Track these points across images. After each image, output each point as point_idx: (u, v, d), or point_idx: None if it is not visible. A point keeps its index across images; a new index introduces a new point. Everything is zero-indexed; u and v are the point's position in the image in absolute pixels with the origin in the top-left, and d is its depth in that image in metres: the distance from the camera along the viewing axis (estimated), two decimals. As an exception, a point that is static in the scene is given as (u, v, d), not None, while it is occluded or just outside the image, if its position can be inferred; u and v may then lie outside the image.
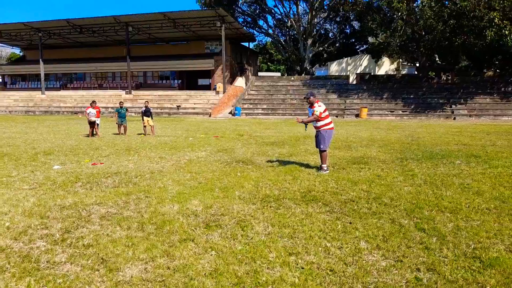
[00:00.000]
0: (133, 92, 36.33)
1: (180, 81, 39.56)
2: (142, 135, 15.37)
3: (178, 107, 31.86)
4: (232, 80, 36.80)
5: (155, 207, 5.21)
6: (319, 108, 7.34)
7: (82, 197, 5.72)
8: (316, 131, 7.59)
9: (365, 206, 5.14)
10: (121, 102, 16.43)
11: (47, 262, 3.54)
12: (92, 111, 14.97)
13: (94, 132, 14.97)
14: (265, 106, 32.08)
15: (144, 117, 15.77)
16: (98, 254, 3.70)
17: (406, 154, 9.73)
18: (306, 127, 8.28)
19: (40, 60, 37.81)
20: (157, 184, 6.56)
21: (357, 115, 29.04)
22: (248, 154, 9.89)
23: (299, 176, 7.02)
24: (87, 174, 7.39)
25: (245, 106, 32.28)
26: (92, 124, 14.84)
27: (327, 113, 7.48)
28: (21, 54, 50.84)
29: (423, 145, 11.61)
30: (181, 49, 40.49)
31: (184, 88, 39.17)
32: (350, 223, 4.51)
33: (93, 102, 15.54)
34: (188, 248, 3.82)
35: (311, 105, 7.46)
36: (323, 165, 7.50)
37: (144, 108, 15.65)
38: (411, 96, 30.76)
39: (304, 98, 7.71)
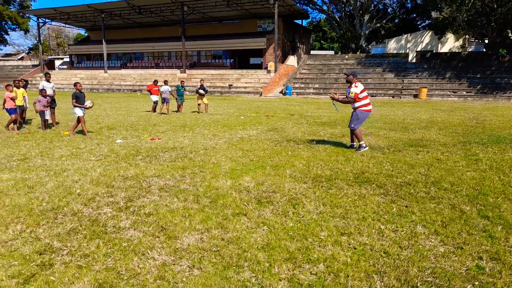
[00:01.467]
0: (187, 71, 37.28)
1: (232, 60, 39.81)
2: (196, 112, 15.82)
3: (230, 86, 32.23)
4: (283, 59, 36.34)
5: (209, 181, 5.39)
6: (355, 89, 7.27)
7: (143, 169, 6.08)
8: (353, 110, 7.47)
9: (422, 190, 4.92)
10: (182, 81, 16.84)
11: (113, 227, 3.84)
12: (166, 88, 15.93)
13: (163, 111, 15.87)
14: (317, 86, 31.41)
15: (199, 95, 16.17)
16: (158, 222, 3.94)
17: (470, 138, 9.09)
18: (336, 108, 8.33)
19: (103, 40, 39.97)
20: (211, 160, 6.77)
21: (415, 96, 27.45)
22: (299, 134, 9.83)
23: (352, 158, 6.87)
24: (147, 148, 7.81)
25: (297, 85, 31.84)
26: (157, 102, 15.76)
27: (365, 93, 7.39)
28: (86, 34, 54.05)
29: (489, 129, 10.75)
30: (234, 28, 40.57)
31: (236, 67, 39.40)
32: (406, 206, 4.35)
33: (156, 80, 16.57)
34: (241, 222, 3.94)
35: (350, 84, 7.38)
36: (361, 143, 7.45)
37: (199, 86, 16.03)
38: (478, 76, 28.35)
39: (345, 75, 7.56)
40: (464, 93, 26.90)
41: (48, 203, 4.44)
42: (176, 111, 16.21)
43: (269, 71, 33.89)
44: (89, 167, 6.19)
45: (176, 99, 16.17)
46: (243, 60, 40.06)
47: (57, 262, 3.11)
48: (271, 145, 8.21)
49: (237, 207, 4.36)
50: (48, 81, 11.24)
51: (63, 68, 46.81)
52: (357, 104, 7.35)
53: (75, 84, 9.59)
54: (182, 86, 16.26)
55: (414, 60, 34.10)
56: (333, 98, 7.47)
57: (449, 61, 31.22)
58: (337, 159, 6.72)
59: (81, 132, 9.82)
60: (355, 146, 7.63)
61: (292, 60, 36.18)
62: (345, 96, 7.50)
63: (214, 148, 7.93)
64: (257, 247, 3.40)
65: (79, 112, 9.52)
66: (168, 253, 3.30)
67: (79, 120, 9.59)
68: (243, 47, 37.66)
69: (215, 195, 4.79)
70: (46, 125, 10.45)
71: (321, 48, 62.92)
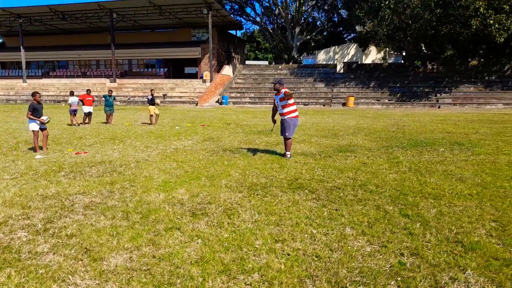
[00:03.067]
0: (118, 80, 35.73)
1: (166, 69, 39.04)
2: (147, 124, 15.17)
3: (164, 95, 31.46)
4: (219, 69, 36.48)
5: (141, 196, 5.15)
6: (286, 90, 7.41)
7: (65, 186, 5.62)
8: (282, 119, 7.65)
9: (351, 193, 5.18)
10: (110, 90, 16.10)
11: (28, 252, 3.47)
12: (75, 99, 14.98)
13: (85, 121, 15.03)
14: (252, 95, 31.97)
15: (150, 106, 15.35)
16: (82, 243, 3.64)
17: (392, 142, 9.84)
18: (273, 126, 8.62)
19: (21, 47, 36.75)
20: (143, 173, 6.49)
21: (344, 104, 29.20)
22: (235, 143, 9.88)
23: (286, 165, 7.04)
24: (71, 164, 7.26)
25: (232, 94, 32.11)
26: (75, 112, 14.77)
27: (293, 100, 7.58)
28: (0, 41, 49.26)
29: (408, 133, 11.75)
30: (167, 37, 39.85)
31: (170, 76, 38.70)
32: (336, 210, 4.54)
33: (88, 90, 15.71)
34: (174, 237, 3.80)
35: (278, 91, 7.57)
36: (287, 152, 7.71)
37: (150, 97, 15.24)
38: (397, 85, 31.04)
39: (272, 84, 7.83)
40: (386, 101, 29.25)
41: None
42: (105, 123, 15.36)
43: (204, 81, 33.77)
44: (1, 187, 5.57)
45: (104, 109, 15.35)
46: (177, 69, 39.49)
47: (-43, 299, 2.72)
48: (207, 155, 8.12)
49: (170, 221, 4.21)
50: None
51: (-27, 77, 42.00)
52: (285, 110, 7.46)
53: (33, 94, 8.45)
54: (110, 96, 15.48)
55: (342, 71, 36.34)
56: (275, 122, 7.92)
57: (373, 72, 33.79)
58: (272, 167, 6.84)
59: (33, 149, 8.75)
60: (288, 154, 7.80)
61: (227, 70, 36.46)
62: (276, 103, 7.66)
63: (147, 160, 7.63)
64: (191, 261, 3.29)
65: (34, 126, 8.50)
66: (93, 276, 3.05)
67: (38, 134, 8.60)
68: (178, 56, 37.16)
69: (147, 210, 4.58)
70: None
71: (256, 58, 64.36)
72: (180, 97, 31.75)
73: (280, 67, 36.89)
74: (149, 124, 15.18)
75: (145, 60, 40.00)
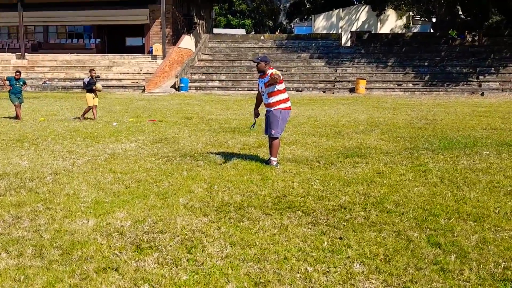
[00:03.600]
0: (28, 56, 35.09)
1: (98, 40, 38.62)
2: (89, 119, 14.95)
3: (96, 77, 31.06)
4: (176, 40, 36.37)
5: (61, 223, 5.08)
6: (274, 71, 7.34)
7: (-51, 211, 5.47)
8: (267, 110, 7.68)
9: (361, 215, 5.26)
10: (18, 71, 15.72)
11: None
12: None
13: None
14: (223, 77, 32.03)
15: (88, 94, 15.13)
16: (-27, 294, 3.55)
17: (418, 143, 10.04)
18: (254, 123, 8.49)
19: None
20: (64, 190, 6.41)
21: (352, 90, 29.63)
22: (199, 146, 9.88)
23: (271, 175, 7.07)
24: (-42, 177, 7.07)
25: (195, 76, 32.07)
26: None
27: (284, 86, 7.61)
28: None
29: (440, 130, 12.03)
30: (100, -6, 39.44)
31: (105, 50, 38.29)
32: (341, 238, 4.60)
33: None
34: (110, 281, 3.75)
35: (263, 73, 7.55)
36: (272, 158, 7.75)
37: (88, 79, 15.01)
38: (425, 64, 31.74)
39: (255, 63, 7.76)
40: (411, 85, 29.86)
41: None
42: (15, 118, 14.98)
43: (154, 57, 33.62)
44: None
45: (10, 98, 15.00)
46: (115, 40, 39.19)
47: None
48: (158, 164, 8.10)
49: (103, 259, 4.16)
50: None
51: None
52: (272, 100, 7.50)
53: None
54: (18, 79, 15.13)
55: (348, 43, 36.91)
56: (258, 115, 7.97)
57: (391, 45, 34.45)
58: (251, 179, 6.86)
59: None
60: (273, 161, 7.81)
61: (187, 42, 36.42)
62: (260, 88, 7.69)
63: (70, 171, 7.54)
64: (133, 316, 3.26)
65: None
66: None
67: None
68: (116, 21, 36.87)
69: (70, 243, 4.51)
70: None
71: (228, 25, 64.47)
72: (120, 80, 31.46)
73: (262, 37, 37.12)
74: (87, 119, 14.98)
75: (67, 27, 39.49)
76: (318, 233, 4.74)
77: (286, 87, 7.85)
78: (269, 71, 7.44)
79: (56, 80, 31.71)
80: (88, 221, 5.12)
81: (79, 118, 15.20)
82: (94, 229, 4.91)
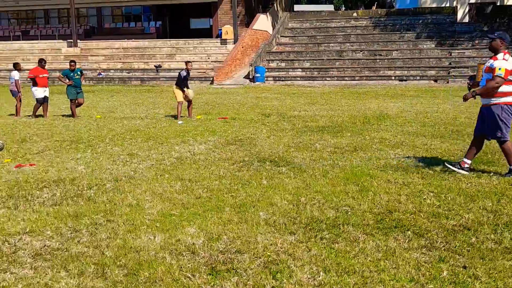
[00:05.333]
0: (81, 43, 36.76)
1: (159, 23, 39.75)
2: (181, 117, 15.00)
3: (157, 68, 32.17)
4: (249, 20, 36.68)
5: (124, 238, 5.28)
6: (504, 63, 7.07)
7: (2, 221, 5.87)
8: (485, 108, 7.49)
9: (490, 238, 5.06)
10: (72, 61, 16.56)
11: None
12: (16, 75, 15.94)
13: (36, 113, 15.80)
14: (307, 65, 31.95)
15: (178, 89, 15.21)
16: (32, 317, 3.81)
17: None
18: (452, 103, 8.30)
19: None
20: (126, 199, 6.65)
21: (472, 78, 28.48)
22: (280, 148, 9.91)
23: (371, 186, 6.98)
24: (9, 183, 7.59)
25: (273, 64, 32.24)
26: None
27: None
28: None
29: None
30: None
31: (166, 35, 39.31)
32: (465, 267, 4.45)
33: (42, 60, 16.31)
34: (182, 309, 3.88)
35: (495, 54, 7.32)
36: None
37: (184, 73, 15.29)
38: None
39: (489, 39, 7.65)
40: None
41: None
42: (71, 116, 15.78)
43: (224, 41, 34.09)
44: None
45: (67, 92, 15.83)
46: (178, 22, 40.08)
47: None
48: (233, 170, 8.21)
49: (174, 283, 4.30)
50: None
51: None
52: (502, 90, 7.15)
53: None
54: (74, 70, 15.87)
55: (466, 19, 35.56)
56: (466, 99, 7.74)
57: (524, 19, 32.75)
58: (346, 190, 6.80)
59: None
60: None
61: (263, 22, 36.55)
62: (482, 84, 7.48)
63: (132, 178, 7.82)
64: None
65: None
66: None
67: None
68: (178, 0, 37.65)
69: (135, 262, 4.70)
70: None
71: (312, 0, 64.23)
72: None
73: (355, 14, 36.72)
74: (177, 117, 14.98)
75: (124, 8, 41.00)
76: (435, 260, 4.61)
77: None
78: (499, 56, 7.19)
79: (112, 71, 33.00)
80: (155, 237, 5.30)
81: (174, 116, 15.30)
82: (161, 246, 5.07)
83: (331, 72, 30.80)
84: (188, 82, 15.36)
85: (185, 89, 15.11)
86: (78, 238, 5.34)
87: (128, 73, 32.57)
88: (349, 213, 5.93)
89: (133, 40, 37.11)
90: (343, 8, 53.18)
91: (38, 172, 8.34)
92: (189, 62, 15.96)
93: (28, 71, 17.16)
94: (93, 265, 4.66)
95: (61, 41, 37.90)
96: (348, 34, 33.90)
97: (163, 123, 13.99)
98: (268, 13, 38.04)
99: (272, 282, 4.26)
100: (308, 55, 32.81)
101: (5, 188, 7.31)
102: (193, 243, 5.12)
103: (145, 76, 32.03)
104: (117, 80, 31.76)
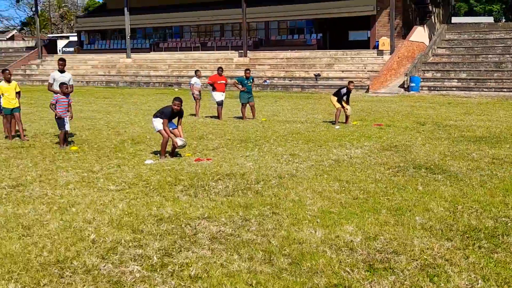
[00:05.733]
0: (250, 53, 38.18)
1: (320, 35, 39.99)
2: (338, 123, 14.89)
3: (316, 76, 32.41)
4: (406, 32, 35.72)
5: (288, 230, 5.43)
6: None
7: (185, 206, 6.33)
8: None
9: None
10: (247, 69, 17.32)
11: (144, 294, 4.05)
12: (197, 81, 17.34)
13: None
14: (463, 76, 30.28)
15: (340, 102, 14.86)
16: (211, 291, 4.06)
17: None
18: None
19: (125, 8, 42.56)
20: (289, 195, 6.83)
21: None
22: (436, 156, 9.58)
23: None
24: (190, 174, 8.13)
25: (428, 74, 31.02)
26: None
27: None
28: (100, 1, 58.30)
29: None
30: (324, -15, 40.94)
31: (326, 46, 39.48)
32: None
33: (220, 68, 17.41)
34: (343, 300, 3.90)
35: None
36: None
37: (344, 91, 14.88)
38: None
39: None
40: None
41: (50, 253, 4.80)
42: (242, 118, 16.34)
43: (380, 52, 33.48)
44: (107, 201, 6.60)
45: (240, 97, 16.49)
46: (337, 35, 40.07)
47: None
48: (388, 174, 8.10)
49: (334, 275, 4.33)
50: (61, 71, 11.89)
51: (69, 52, 50.62)
52: None
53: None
54: (248, 78, 16.59)
55: None
56: None
57: None
58: (506, 201, 6.45)
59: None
60: None
61: (420, 34, 35.39)
62: None
63: (294, 176, 8.00)
64: None
65: (158, 125, 9.55)
66: None
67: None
68: (339, 14, 37.67)
69: (298, 253, 4.81)
70: (66, 139, 10.95)
71: (470, 13, 60.84)
72: (342, 78, 32.08)
73: (516, 26, 33.99)
74: (335, 122, 14.85)
75: (289, 22, 41.77)
76: None
77: None
78: None
79: (276, 78, 33.84)
80: (316, 232, 5.38)
81: (332, 122, 15.15)
82: (322, 240, 5.14)
83: (489, 83, 28.88)
84: (334, 88, 15.15)
85: (344, 103, 14.92)
86: (248, 227, 5.60)
87: (290, 80, 33.20)
88: (509, 224, 5.58)
89: (295, 51, 37.76)
90: (503, 20, 49.65)
91: (213, 166, 8.85)
92: (351, 82, 15.65)
93: (207, 78, 18.31)
94: (261, 252, 4.85)
95: (233, 51, 39.64)
96: (508, 45, 31.54)
97: (321, 127, 14.10)
98: (425, 25, 36.79)
99: (430, 285, 4.14)
100: (464, 66, 31.08)
101: (186, 178, 7.85)
102: (351, 240, 5.13)
103: (305, 84, 32.42)
104: (280, 87, 32.51)
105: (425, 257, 4.69)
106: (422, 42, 35.24)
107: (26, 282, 4.21)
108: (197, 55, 40.70)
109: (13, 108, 11.94)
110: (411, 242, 5.07)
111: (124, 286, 4.17)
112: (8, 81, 12.08)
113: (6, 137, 12.03)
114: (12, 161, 9.38)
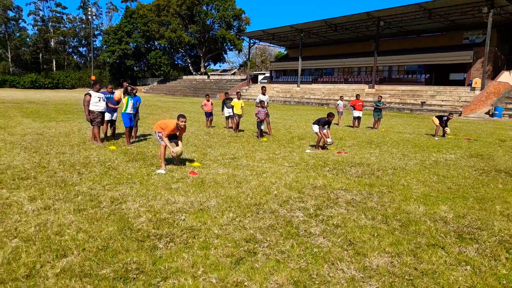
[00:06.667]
0: (376, 86, 36.30)
1: (427, 75, 36.45)
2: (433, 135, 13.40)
3: (422, 103, 29.59)
4: (494, 75, 30.89)
5: (399, 204, 5.10)
6: None
7: (330, 180, 6.26)
8: None
9: None
10: (380, 96, 16.86)
11: (304, 231, 4.11)
12: (340, 103, 17.10)
13: (355, 124, 16.15)
14: (540, 108, 25.31)
15: (442, 125, 13.29)
16: (346, 236, 3.97)
17: None
18: None
19: (299, 57, 43.38)
20: (400, 181, 6.39)
21: None
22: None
23: None
24: (333, 161, 8.02)
25: (510, 105, 26.47)
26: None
27: None
28: (285, 52, 59.90)
29: None
30: (433, 41, 37.17)
31: (431, 83, 35.94)
32: None
33: (358, 95, 17.02)
34: (438, 255, 3.55)
35: None
36: None
37: (445, 118, 13.16)
38: None
39: None
40: None
41: (251, 199, 5.12)
42: (371, 128, 15.76)
43: (473, 89, 29.41)
44: (283, 172, 6.81)
45: (373, 115, 15.94)
46: (440, 75, 36.15)
47: (259, 252, 3.55)
48: (475, 174, 7.15)
49: (432, 238, 3.96)
50: (263, 94, 12.49)
51: (264, 82, 53.13)
52: None
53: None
54: (380, 101, 16.04)
55: None
56: None
57: None
58: None
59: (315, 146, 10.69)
60: None
61: (506, 76, 30.36)
62: None
63: (404, 169, 7.45)
64: (459, 287, 2.99)
65: (316, 128, 9.56)
66: (357, 268, 3.28)
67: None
68: (444, 61, 33.93)
69: (406, 219, 4.49)
70: (261, 134, 11.48)
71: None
72: (441, 105, 28.98)
73: None
74: (434, 135, 13.42)
75: (406, 66, 38.75)
76: None
77: None
78: None
79: (393, 103, 31.78)
80: (419, 207, 4.97)
81: (432, 135, 13.70)
82: (423, 213, 4.73)
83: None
84: (443, 113, 13.63)
85: (443, 126, 13.27)
86: (371, 198, 5.33)
87: (403, 105, 30.80)
88: None
89: (408, 85, 35.03)
90: None
91: (349, 157, 8.61)
92: (451, 114, 13.61)
93: (349, 101, 17.87)
94: (380, 215, 4.59)
95: (365, 84, 38.02)
96: None
97: (424, 138, 12.86)
98: (511, 71, 31.36)
99: (506, 255, 3.61)
100: (541, 101, 25.92)
101: (331, 163, 7.76)
102: (445, 216, 4.69)
103: (413, 108, 29.74)
104: (395, 109, 30.43)
105: (503, 234, 4.07)
106: (507, 83, 30.14)
107: (237, 213, 4.55)
108: (341, 86, 39.72)
109: (239, 114, 12.57)
110: (492, 223, 4.43)
111: (293, 224, 4.28)
112: (238, 98, 12.78)
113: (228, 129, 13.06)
114: (232, 144, 10.14)
